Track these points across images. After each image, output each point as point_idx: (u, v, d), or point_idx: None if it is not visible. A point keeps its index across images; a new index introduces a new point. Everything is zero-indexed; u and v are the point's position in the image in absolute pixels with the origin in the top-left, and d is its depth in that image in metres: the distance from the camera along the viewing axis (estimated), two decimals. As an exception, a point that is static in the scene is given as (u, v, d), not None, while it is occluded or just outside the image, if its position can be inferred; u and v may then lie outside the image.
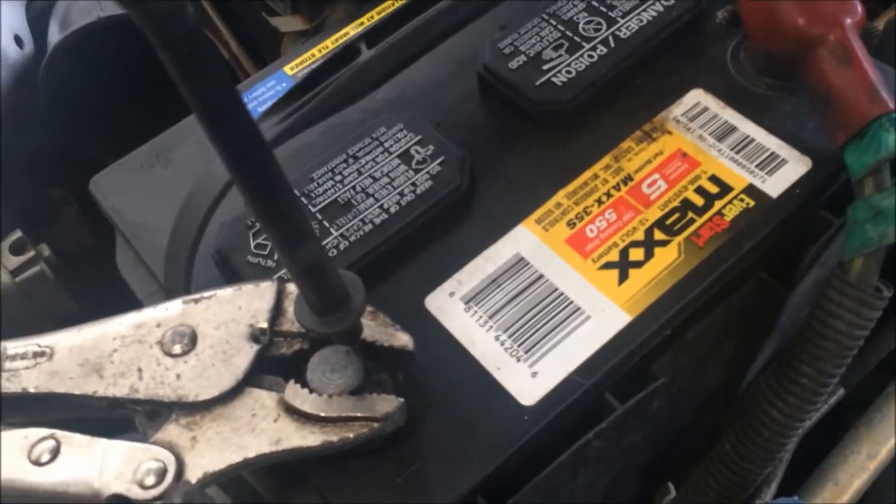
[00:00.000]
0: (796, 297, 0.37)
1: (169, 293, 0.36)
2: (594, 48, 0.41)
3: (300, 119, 0.35)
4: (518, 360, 0.34)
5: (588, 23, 0.42)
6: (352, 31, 0.46)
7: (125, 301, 0.54)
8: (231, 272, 0.37)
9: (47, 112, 0.49)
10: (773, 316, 0.38)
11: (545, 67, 0.40)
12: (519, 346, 0.34)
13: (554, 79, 0.40)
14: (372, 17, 0.46)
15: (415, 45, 0.37)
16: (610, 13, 0.42)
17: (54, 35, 0.49)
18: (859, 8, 0.36)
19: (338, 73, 0.37)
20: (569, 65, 0.40)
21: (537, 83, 0.40)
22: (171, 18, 0.19)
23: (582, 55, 0.40)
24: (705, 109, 0.40)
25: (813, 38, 0.36)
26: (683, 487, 0.39)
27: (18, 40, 0.53)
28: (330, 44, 0.45)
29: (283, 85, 0.44)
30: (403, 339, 0.32)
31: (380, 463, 0.31)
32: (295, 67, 0.45)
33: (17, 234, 0.48)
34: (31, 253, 0.47)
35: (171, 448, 0.30)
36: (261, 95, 0.44)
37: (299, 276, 0.27)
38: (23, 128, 0.51)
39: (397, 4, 0.46)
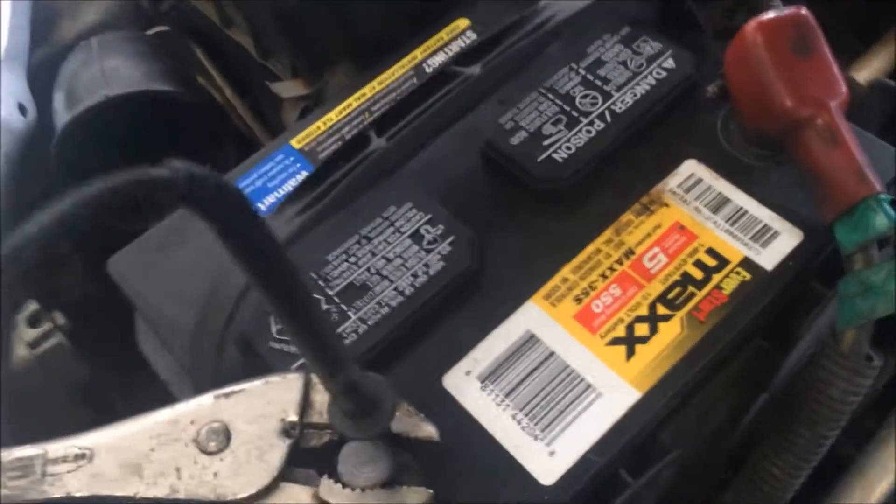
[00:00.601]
0: (790, 361, 0.40)
1: (196, 379, 0.38)
2: (591, 123, 0.42)
3: (318, 213, 0.37)
4: (535, 438, 0.36)
5: (584, 97, 0.43)
6: (355, 102, 0.47)
7: (136, 360, 0.55)
8: (254, 357, 0.38)
9: (58, 183, 0.50)
10: (768, 378, 0.40)
11: (545, 143, 0.42)
12: (535, 424, 0.36)
13: (555, 155, 0.42)
14: (374, 87, 0.47)
15: (425, 134, 0.38)
16: (605, 87, 0.44)
17: (60, 106, 0.50)
18: (844, 88, 0.38)
19: (349, 161, 0.38)
20: (568, 140, 0.42)
21: (539, 160, 0.42)
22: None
23: (580, 130, 0.42)
24: (699, 181, 0.42)
25: (800, 120, 0.38)
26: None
27: (22, 109, 0.53)
28: (334, 116, 0.47)
29: (291, 159, 0.46)
30: (429, 431, 0.34)
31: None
32: (302, 141, 0.46)
33: (33, 305, 0.49)
34: (49, 325, 0.48)
35: (213, 548, 0.32)
36: (270, 170, 0.45)
37: (337, 395, 0.29)
38: (24, 190, 0.52)
39: (396, 76, 0.48)
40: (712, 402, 0.38)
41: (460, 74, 0.41)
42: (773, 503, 0.39)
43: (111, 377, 0.55)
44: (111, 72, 0.48)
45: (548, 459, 0.35)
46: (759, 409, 0.41)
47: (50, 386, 0.50)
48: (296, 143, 0.46)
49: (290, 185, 0.44)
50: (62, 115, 0.49)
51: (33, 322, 0.49)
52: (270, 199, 0.44)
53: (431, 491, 0.32)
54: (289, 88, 0.51)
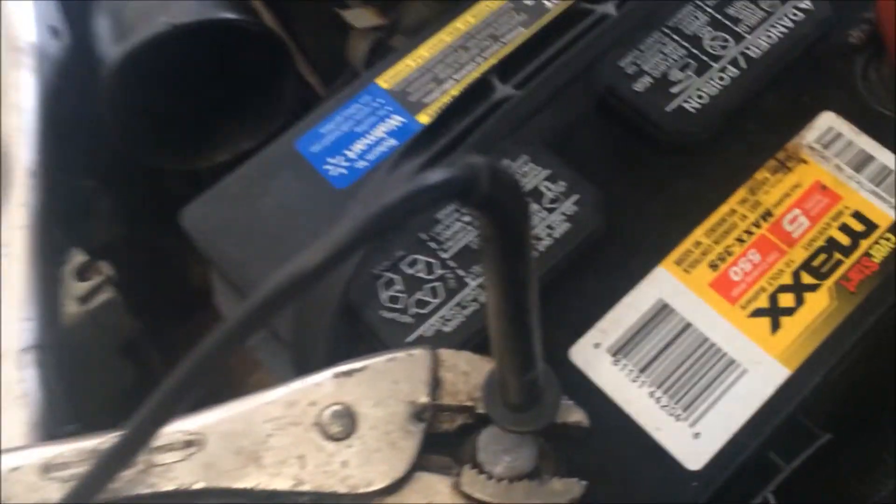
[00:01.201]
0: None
1: (295, 350, 0.34)
2: (724, 69, 0.38)
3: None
4: (677, 419, 0.33)
5: (714, 39, 0.39)
6: (447, 38, 0.42)
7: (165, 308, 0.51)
8: (363, 328, 0.34)
9: (111, 121, 0.45)
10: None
11: (673, 90, 0.38)
12: (676, 403, 0.33)
13: (685, 104, 0.38)
14: (468, 21, 0.42)
15: (561, 81, 0.34)
16: (735, 27, 0.39)
17: (106, 34, 0.44)
18: None
19: (470, 111, 0.34)
20: (699, 88, 0.38)
21: (667, 109, 0.38)
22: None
23: (712, 77, 0.38)
24: (839, 135, 0.38)
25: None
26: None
27: (55, 31, 0.47)
28: (425, 53, 0.42)
29: (380, 101, 0.41)
30: (579, 416, 0.30)
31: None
32: (390, 80, 0.41)
33: (79, 256, 0.44)
34: (99, 278, 0.44)
35: (350, 546, 0.29)
36: (356, 113, 0.41)
37: (516, 390, 0.25)
38: (61, 124, 0.47)
39: (492, 7, 0.43)
40: (853, 380, 0.35)
41: (591, 13, 0.36)
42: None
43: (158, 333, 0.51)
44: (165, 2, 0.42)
45: (692, 441, 0.32)
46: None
47: (101, 343, 0.45)
48: (383, 82, 0.41)
49: (380, 131, 0.40)
50: (111, 44, 0.43)
51: (81, 275, 0.44)
52: (359, 147, 0.40)
53: (585, 482, 0.29)
54: (362, 17, 0.46)
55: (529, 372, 0.24)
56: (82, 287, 0.44)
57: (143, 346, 0.50)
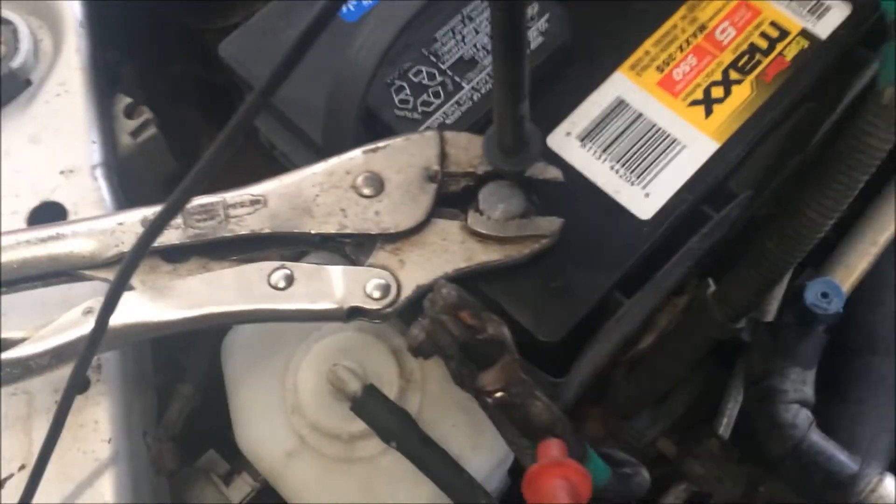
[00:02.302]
0: (833, 117, 0.46)
1: (331, 149, 0.42)
2: None
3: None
4: (632, 184, 0.42)
5: None
6: None
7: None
8: (382, 126, 0.43)
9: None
10: (814, 133, 0.47)
11: (625, -73, 0.46)
12: (631, 173, 0.42)
13: (635, -62, 0.45)
14: None
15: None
16: None
17: None
18: None
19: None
20: (647, -75, 0.46)
21: (621, -58, 0.45)
22: None
23: (658, -85, 0.46)
24: (763, -39, 0.46)
25: None
26: (725, 280, 0.49)
27: None
28: None
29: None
30: (555, 173, 0.39)
31: (537, 273, 0.40)
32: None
33: (125, 98, 0.52)
34: (146, 115, 0.51)
35: (386, 268, 0.38)
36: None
37: (511, 125, 0.34)
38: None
39: None
40: (771, 154, 0.45)
41: None
42: (808, 244, 0.46)
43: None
44: None
45: (644, 200, 0.42)
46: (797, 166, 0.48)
47: (149, 173, 0.53)
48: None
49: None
50: None
51: (129, 113, 0.52)
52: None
53: (562, 219, 0.39)
54: None
55: (522, 102, 0.33)
56: (131, 124, 0.52)
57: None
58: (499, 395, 0.33)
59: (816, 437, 0.45)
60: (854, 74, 0.45)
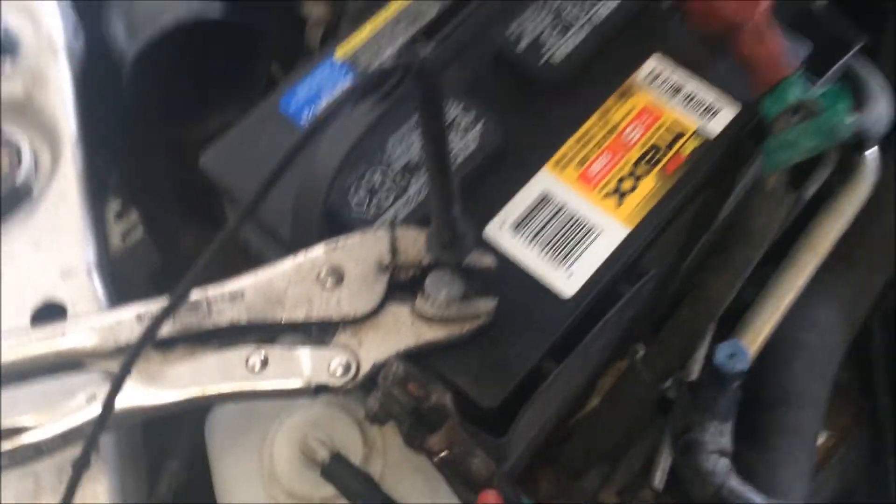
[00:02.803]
0: (730, 203, 0.54)
1: (298, 246, 0.49)
2: (578, 31, 0.54)
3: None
4: (556, 267, 0.49)
5: (570, 10, 0.55)
6: (383, 20, 0.57)
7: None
8: (341, 224, 0.49)
9: (131, 102, 0.58)
10: (714, 217, 0.55)
11: (544, 48, 0.54)
12: (556, 257, 0.49)
13: (553, 57, 0.54)
14: (398, 6, 0.58)
15: (466, 43, 0.49)
16: (585, 1, 0.55)
17: (121, 34, 0.58)
18: (769, -3, 0.51)
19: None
20: (562, 45, 0.54)
21: (541, 63, 0.53)
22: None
23: (570, 37, 0.54)
24: (662, 72, 0.55)
25: (737, 23, 0.51)
26: (651, 346, 0.55)
27: (76, 31, 0.61)
28: (367, 31, 0.56)
29: (336, 68, 0.56)
30: (488, 261, 0.46)
31: (477, 347, 0.46)
32: (343, 52, 0.56)
33: (116, 202, 0.58)
34: (133, 218, 0.58)
35: (347, 349, 0.44)
36: (320, 78, 0.55)
37: (445, 225, 0.41)
38: (87, 106, 0.60)
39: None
40: (677, 236, 0.52)
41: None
42: (717, 312, 0.53)
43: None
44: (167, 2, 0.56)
45: (567, 280, 0.49)
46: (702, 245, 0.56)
47: (135, 268, 0.60)
48: (338, 54, 0.56)
49: (339, 89, 0.55)
50: (127, 42, 0.57)
51: (119, 216, 0.58)
52: (325, 102, 0.55)
53: (496, 300, 0.45)
54: (316, 9, 0.61)
55: (452, 207, 0.40)
56: (121, 226, 0.58)
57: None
58: (444, 453, 0.39)
59: (735, 483, 0.51)
60: (744, 165, 0.53)
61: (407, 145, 0.52)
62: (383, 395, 0.40)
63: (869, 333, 0.66)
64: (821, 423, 0.57)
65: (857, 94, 0.56)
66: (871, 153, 0.59)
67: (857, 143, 0.56)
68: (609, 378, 0.56)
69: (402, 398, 0.39)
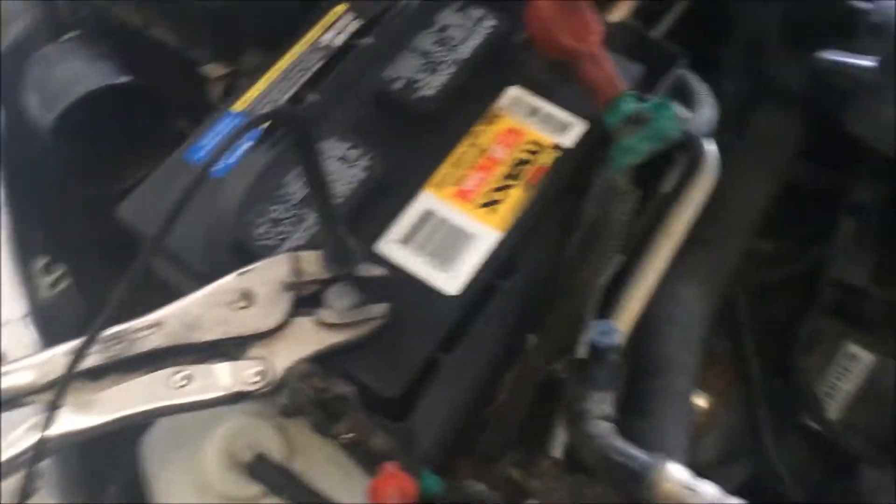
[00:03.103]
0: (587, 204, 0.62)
1: (212, 276, 0.55)
2: (446, 69, 0.63)
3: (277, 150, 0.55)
4: (442, 270, 0.56)
5: (438, 51, 0.63)
6: (274, 75, 0.64)
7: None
8: (249, 254, 0.56)
9: (53, 165, 0.64)
10: (577, 217, 0.63)
11: (417, 85, 0.62)
12: (440, 262, 0.56)
13: (425, 93, 0.61)
14: (286, 61, 0.65)
15: (345, 88, 0.57)
16: (451, 42, 0.64)
17: (37, 106, 0.64)
18: (602, 28, 0.60)
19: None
20: (432, 82, 0.62)
21: (414, 98, 0.61)
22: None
23: (440, 74, 0.62)
24: (521, 98, 0.63)
25: (576, 52, 0.60)
26: (539, 333, 0.63)
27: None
28: (262, 85, 0.64)
29: (237, 119, 0.62)
30: (379, 271, 0.53)
31: (377, 346, 0.53)
32: (242, 105, 0.63)
33: (44, 258, 0.64)
34: (60, 270, 0.63)
35: (260, 360, 0.50)
36: (221, 132, 0.62)
37: (335, 244, 0.48)
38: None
39: (301, 51, 0.65)
40: (547, 237, 0.60)
41: (358, 44, 0.60)
42: (586, 301, 0.61)
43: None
44: (80, 71, 0.62)
45: (451, 281, 0.56)
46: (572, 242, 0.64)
47: (64, 316, 0.65)
48: (237, 107, 0.63)
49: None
50: (43, 113, 0.63)
51: (47, 270, 0.64)
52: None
53: (389, 303, 0.52)
54: (215, 70, 0.68)
55: (337, 227, 0.47)
56: (50, 278, 0.63)
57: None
58: (348, 436, 0.46)
59: (619, 443, 0.59)
60: (595, 170, 0.62)
61: (300, 183, 0.58)
62: (291, 392, 0.46)
63: (735, 305, 0.75)
64: (692, 387, 0.65)
65: (688, 102, 0.66)
66: (711, 149, 0.68)
67: (692, 142, 0.65)
68: (511, 372, 0.63)
69: (307, 392, 0.46)
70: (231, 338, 0.51)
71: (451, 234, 0.58)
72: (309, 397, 0.46)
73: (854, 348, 0.73)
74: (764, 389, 0.74)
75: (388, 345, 0.53)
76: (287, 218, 0.57)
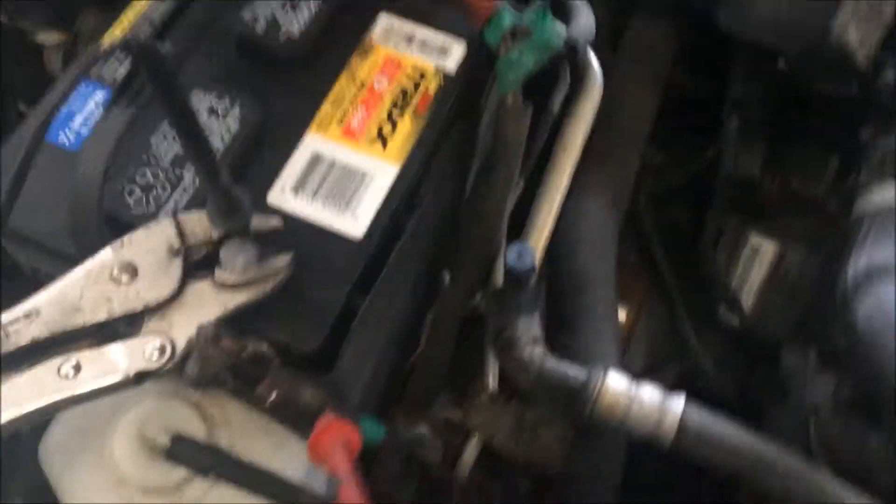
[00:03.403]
0: (481, 129, 0.60)
1: (86, 255, 0.49)
2: (309, 7, 0.58)
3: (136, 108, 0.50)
4: (341, 214, 0.53)
5: (298, -13, 0.59)
6: (118, 31, 0.58)
7: None
8: (125, 225, 0.50)
9: None
10: (474, 142, 0.60)
11: (281, 26, 0.57)
12: (338, 205, 0.53)
13: (292, 33, 0.57)
14: (129, 18, 0.59)
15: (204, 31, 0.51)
16: (310, -23, 0.60)
17: None
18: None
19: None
20: (297, 21, 0.58)
21: (281, 39, 0.57)
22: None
23: (303, 12, 0.58)
24: (394, 26, 0.60)
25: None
26: (453, 269, 0.60)
27: None
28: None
29: (83, 85, 0.56)
30: (274, 222, 0.49)
31: (285, 301, 0.49)
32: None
33: None
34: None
35: (158, 334, 0.45)
36: (70, 99, 0.56)
37: (219, 196, 0.43)
38: None
39: (142, 7, 0.60)
40: (444, 165, 0.58)
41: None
42: (494, 226, 0.58)
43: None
44: None
45: (354, 224, 0.52)
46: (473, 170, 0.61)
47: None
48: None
49: (91, 105, 0.56)
50: None
51: None
52: (79, 120, 0.55)
53: (290, 253, 0.48)
54: (50, 37, 0.61)
55: (219, 178, 0.42)
56: None
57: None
58: (272, 397, 0.42)
59: (551, 363, 0.57)
60: (483, 91, 0.59)
61: (170, 140, 0.53)
62: (200, 360, 0.41)
63: (638, 215, 0.75)
64: (615, 298, 0.65)
65: (563, 12, 0.64)
66: (593, 60, 0.67)
67: (576, 50, 0.64)
68: (430, 314, 0.60)
69: (218, 357, 0.41)
70: (119, 316, 0.45)
71: (345, 174, 0.54)
72: (222, 362, 0.41)
73: (756, 239, 0.75)
74: (680, 293, 0.74)
75: (298, 298, 0.49)
76: (160, 181, 0.52)
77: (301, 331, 0.48)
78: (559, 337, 0.61)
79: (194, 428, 0.48)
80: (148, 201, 0.51)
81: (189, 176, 0.52)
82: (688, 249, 0.76)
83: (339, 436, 0.39)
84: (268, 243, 0.49)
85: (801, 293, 0.73)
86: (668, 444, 0.53)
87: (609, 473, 0.62)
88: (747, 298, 0.74)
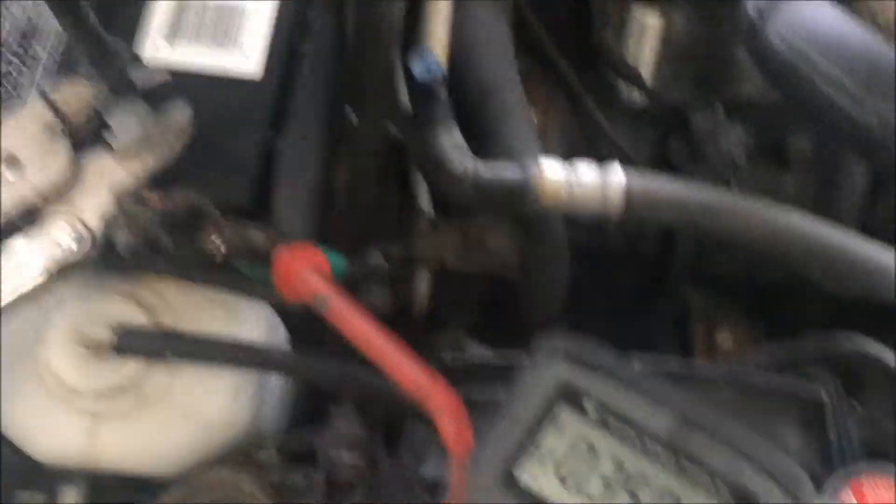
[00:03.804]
0: None
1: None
2: None
3: None
4: (231, 54, 0.47)
5: None
6: None
7: None
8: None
9: None
10: None
11: None
12: (225, 46, 0.48)
13: None
14: None
15: None
16: None
17: None
18: None
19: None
20: None
21: None
22: None
23: None
24: None
25: None
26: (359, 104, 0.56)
27: None
28: None
29: None
30: (160, 75, 0.43)
31: (200, 157, 0.44)
32: None
33: None
34: None
35: (67, 221, 0.40)
36: None
37: (90, 42, 0.37)
38: None
39: None
40: None
41: None
42: (386, 41, 0.54)
43: None
44: None
45: (247, 62, 0.47)
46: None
47: None
48: None
49: None
50: None
51: None
52: None
53: (188, 106, 0.43)
54: None
55: (85, 21, 0.37)
56: None
57: None
58: (222, 249, 0.38)
59: (484, 169, 0.55)
60: None
61: (7, 15, 0.46)
62: (128, 222, 0.37)
63: (525, 18, 0.72)
64: (524, 96, 0.63)
65: None
66: None
67: None
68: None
69: (146, 215, 0.37)
70: (16, 213, 0.40)
71: (220, 11, 0.48)
72: (151, 219, 0.37)
73: (640, 14, 0.74)
74: (582, 84, 0.73)
75: (213, 151, 0.44)
76: (14, 64, 0.45)
77: (227, 185, 0.44)
78: (480, 145, 0.59)
79: (135, 318, 0.43)
80: (7, 90, 0.44)
81: (41, 48, 0.45)
82: (578, 43, 0.74)
83: (306, 262, 0.36)
84: (160, 101, 0.44)
85: (695, 51, 0.73)
86: (619, 215, 0.53)
87: (558, 274, 0.62)
88: (646, 74, 0.73)
